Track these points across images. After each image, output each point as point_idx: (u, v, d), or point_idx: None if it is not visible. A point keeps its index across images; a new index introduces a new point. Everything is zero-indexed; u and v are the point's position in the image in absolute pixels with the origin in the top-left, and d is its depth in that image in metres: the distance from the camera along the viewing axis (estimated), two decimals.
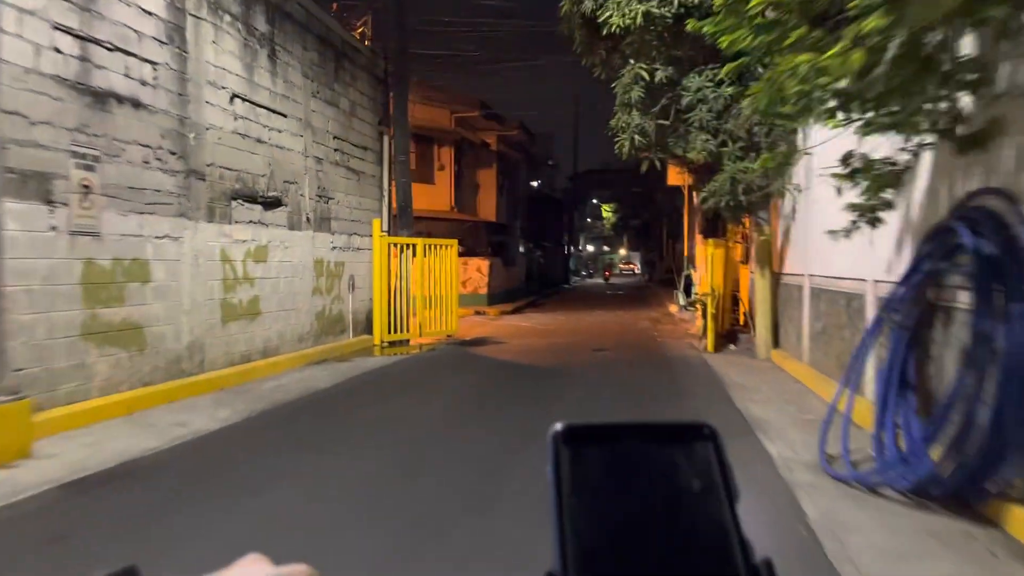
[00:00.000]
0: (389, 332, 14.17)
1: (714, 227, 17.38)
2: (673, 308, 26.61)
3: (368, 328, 14.15)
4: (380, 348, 13.87)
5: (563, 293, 41.16)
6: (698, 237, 18.68)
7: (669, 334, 17.85)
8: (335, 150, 12.85)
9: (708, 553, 0.59)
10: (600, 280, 67.68)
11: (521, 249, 38.94)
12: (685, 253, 28.91)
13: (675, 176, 29.63)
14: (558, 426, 0.67)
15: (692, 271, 26.61)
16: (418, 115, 25.77)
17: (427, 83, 25.99)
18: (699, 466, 0.65)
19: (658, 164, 12.43)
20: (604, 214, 72.34)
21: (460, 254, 27.41)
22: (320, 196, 12.26)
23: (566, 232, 54.67)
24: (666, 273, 44.33)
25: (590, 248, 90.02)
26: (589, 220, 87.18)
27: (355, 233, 13.75)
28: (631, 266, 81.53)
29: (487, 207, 31.04)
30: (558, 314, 24.93)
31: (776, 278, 12.44)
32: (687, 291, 26.49)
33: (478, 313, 24.18)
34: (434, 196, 26.60)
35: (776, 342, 12.40)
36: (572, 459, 0.65)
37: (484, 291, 25.88)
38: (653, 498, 0.63)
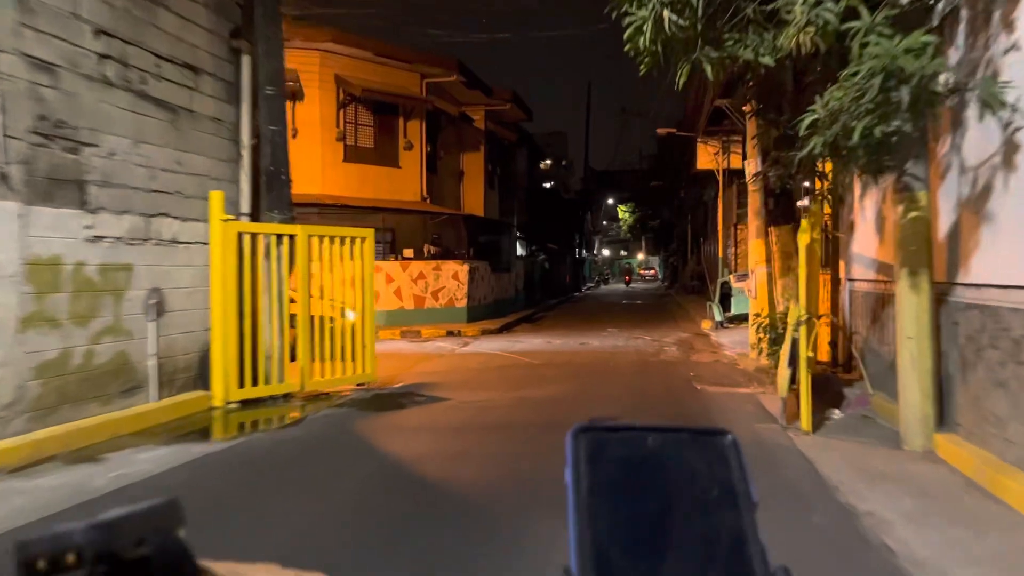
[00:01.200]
0: (242, 385, 8.37)
1: (785, 213, 11.42)
2: (705, 325, 20.68)
3: (203, 380, 8.30)
4: (224, 413, 8.07)
5: (572, 303, 35.22)
6: (750, 227, 12.71)
7: (711, 373, 11.95)
8: (102, 56, 6.97)
9: (725, 559, 0.60)
10: (616, 286, 61.70)
11: (520, 252, 33.07)
12: (719, 253, 22.92)
13: (705, 157, 23.72)
14: (577, 426, 0.68)
15: (731, 277, 20.63)
16: (375, 77, 20.00)
17: (388, 41, 20.20)
18: (719, 472, 0.67)
19: (710, 71, 6.39)
20: (620, 214, 66.32)
21: (432, 256, 21.68)
22: (48, 136, 6.38)
23: (577, 234, 48.77)
24: (691, 279, 38.24)
25: (606, 252, 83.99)
26: (605, 223, 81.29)
27: (164, 214, 7.85)
28: (652, 272, 75.19)
29: (473, 199, 25.23)
30: (556, 335, 19.05)
31: (942, 293, 6.46)
32: (724, 303, 20.55)
33: (451, 334, 18.36)
34: (399, 182, 20.83)
35: (941, 416, 6.41)
36: (590, 459, 0.66)
37: (462, 304, 20.07)
38: (671, 502, 0.65)
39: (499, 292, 24.81)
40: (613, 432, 0.69)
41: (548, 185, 42.44)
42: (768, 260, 12.20)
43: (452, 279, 19.99)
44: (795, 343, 7.03)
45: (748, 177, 12.31)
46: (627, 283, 62.27)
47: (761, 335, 11.92)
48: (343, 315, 9.54)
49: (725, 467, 0.67)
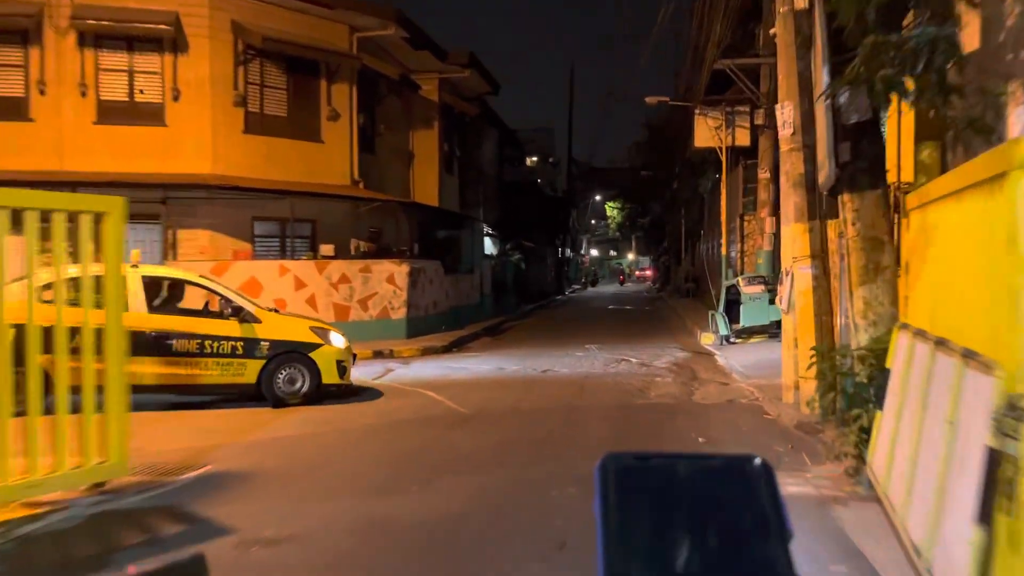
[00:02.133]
0: None
1: (873, 166, 7.05)
2: (707, 339, 16.49)
3: None
4: None
5: (551, 309, 30.92)
6: (785, 207, 8.40)
7: (730, 432, 7.74)
8: None
9: None
10: (605, 288, 57.47)
11: (490, 250, 28.76)
12: (723, 251, 18.69)
13: (705, 133, 19.46)
14: (606, 455, 0.71)
15: (739, 280, 16.39)
16: (288, 26, 15.70)
17: None
18: (752, 502, 0.68)
19: None
20: (608, 211, 62.12)
21: (363, 254, 17.35)
22: None
23: (561, 232, 44.51)
24: (685, 281, 34.02)
25: (594, 252, 79.73)
26: (593, 222, 77.05)
27: None
28: (647, 273, 70.85)
29: (425, 187, 20.91)
30: (517, 355, 14.80)
31: None
32: (730, 311, 16.32)
33: (379, 356, 14.04)
34: (321, 162, 16.51)
35: None
36: (620, 490, 0.69)
37: (400, 314, 15.77)
38: (704, 533, 0.65)
39: (456, 298, 20.50)
40: (643, 461, 0.72)
41: (522, 176, 38.14)
42: (817, 255, 7.94)
43: (387, 283, 15.67)
44: (997, 465, 2.71)
45: (782, 127, 8.02)
46: (621, 283, 63.27)
47: (806, 374, 7.66)
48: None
49: (757, 496, 0.68)
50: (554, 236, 42.09)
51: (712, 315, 16.58)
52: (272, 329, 9.29)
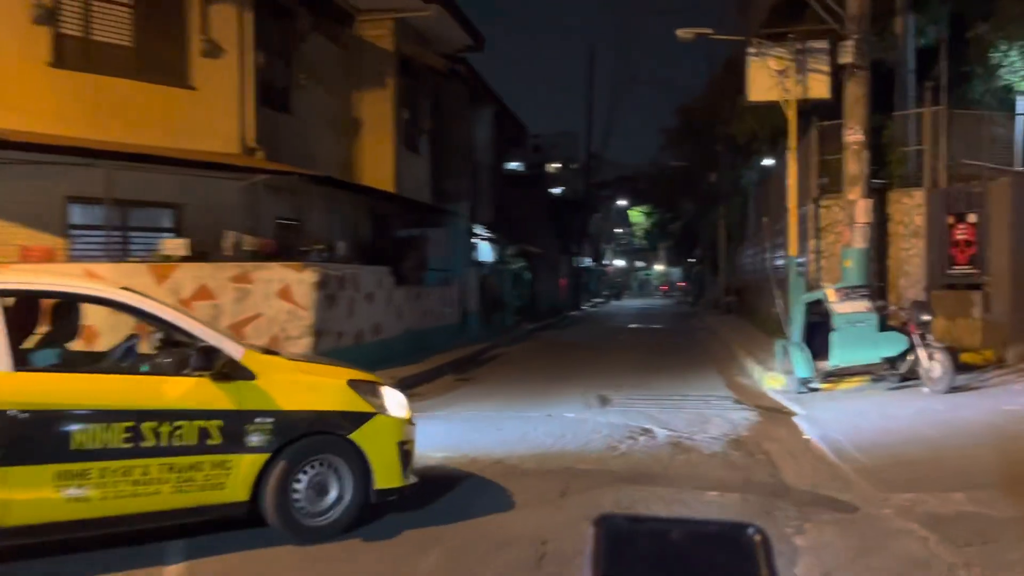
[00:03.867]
0: None
1: None
2: (773, 382, 10.77)
3: None
4: None
5: (558, 329, 25.13)
6: None
7: None
8: None
9: None
10: (630, 303, 51.49)
11: (480, 255, 23.14)
12: (791, 249, 12.81)
13: (764, 82, 13.57)
14: (601, 516, 0.70)
15: (829, 291, 10.50)
16: None
17: None
18: (746, 571, 0.64)
19: None
20: (633, 217, 56.30)
21: (256, 254, 11.43)
22: None
23: (577, 239, 38.78)
24: (726, 295, 28.08)
25: (618, 263, 73.85)
26: (619, 231, 71.30)
27: None
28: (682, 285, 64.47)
29: (377, 167, 15.34)
30: (475, 410, 9.33)
31: None
32: (813, 339, 10.53)
33: None
34: (190, 117, 11.10)
35: None
36: (610, 551, 0.64)
37: (302, 345, 10.18)
38: None
39: (419, 318, 14.94)
40: (637, 523, 0.71)
41: (532, 171, 32.52)
42: None
43: (278, 299, 10.10)
44: None
45: None
46: (664, 292, 63.45)
47: None
48: None
49: (753, 566, 0.64)
50: (569, 242, 36.38)
51: (782, 346, 10.78)
52: (279, 390, 4.70)
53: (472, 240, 21.73)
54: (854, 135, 12.02)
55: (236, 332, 9.78)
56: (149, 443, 4.25)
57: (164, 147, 10.39)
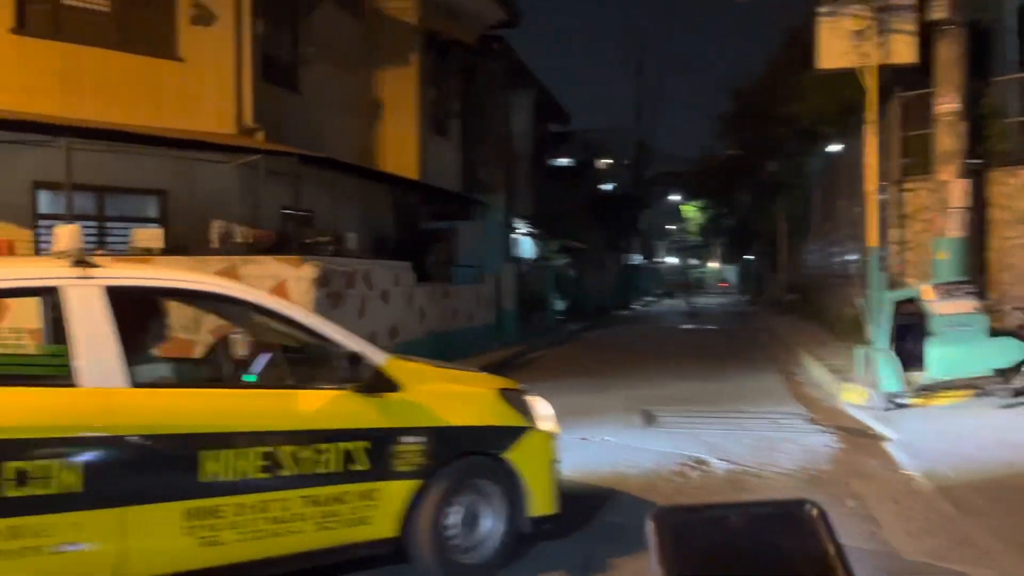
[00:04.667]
0: None
1: None
2: (851, 396, 9.01)
3: None
4: None
5: (605, 328, 23.38)
6: None
7: None
8: None
9: None
10: (684, 301, 49.33)
11: (519, 251, 21.66)
12: (871, 239, 10.94)
13: (838, 46, 11.75)
14: (659, 509, 0.67)
15: (923, 288, 8.64)
16: None
17: None
18: (810, 548, 0.64)
19: None
20: (687, 212, 54.15)
21: (252, 246, 9.72)
22: None
23: (627, 235, 36.98)
24: (788, 292, 26.05)
25: (672, 260, 71.61)
26: (672, 228, 69.08)
27: None
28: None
29: (401, 152, 13.98)
30: None
31: None
32: (904, 345, 8.64)
33: None
34: (178, 91, 9.86)
35: None
36: (673, 545, 0.64)
37: None
38: None
39: (445, 319, 13.55)
40: (694, 513, 0.70)
41: (581, 164, 30.90)
42: None
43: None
44: None
45: None
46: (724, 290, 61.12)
47: None
48: None
49: (816, 542, 0.64)
50: (618, 239, 34.62)
51: (864, 354, 9.03)
52: (429, 403, 4.00)
53: (510, 235, 20.24)
54: (948, 104, 10.19)
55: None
56: (288, 471, 3.53)
57: (147, 126, 9.15)
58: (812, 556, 0.62)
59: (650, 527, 0.64)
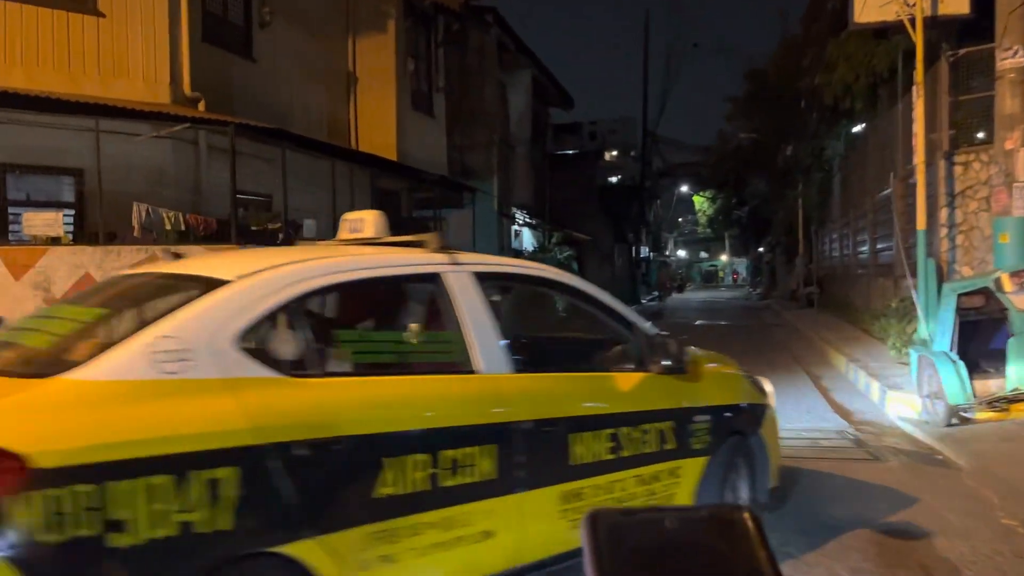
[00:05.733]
0: None
1: None
2: (902, 406, 7.47)
3: None
4: None
5: None
6: None
7: None
8: None
9: None
10: (693, 295, 47.60)
11: (517, 242, 20.14)
12: (920, 223, 9.36)
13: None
14: (593, 512, 0.66)
15: (1005, 277, 7.10)
16: None
17: None
18: (743, 552, 0.63)
19: None
20: (697, 203, 52.48)
21: (185, 234, 8.27)
22: None
23: (634, 227, 35.35)
24: (805, 286, 24.43)
25: (681, 253, 69.93)
26: (681, 220, 67.42)
27: None
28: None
29: (377, 129, 12.47)
30: None
31: None
32: (968, 347, 7.05)
33: None
34: (99, 51, 8.32)
35: None
36: (608, 546, 0.63)
37: None
38: None
39: None
40: (629, 516, 0.69)
41: (583, 150, 29.33)
42: None
43: None
44: None
45: None
46: (735, 281, 61.55)
47: None
48: None
49: (749, 547, 0.64)
50: (625, 231, 33.00)
51: (919, 357, 7.46)
52: (707, 383, 4.24)
53: (507, 225, 18.71)
54: (1013, 58, 8.59)
55: None
56: (626, 452, 3.72)
57: (59, 92, 7.65)
58: (745, 560, 0.60)
59: (584, 528, 0.62)
